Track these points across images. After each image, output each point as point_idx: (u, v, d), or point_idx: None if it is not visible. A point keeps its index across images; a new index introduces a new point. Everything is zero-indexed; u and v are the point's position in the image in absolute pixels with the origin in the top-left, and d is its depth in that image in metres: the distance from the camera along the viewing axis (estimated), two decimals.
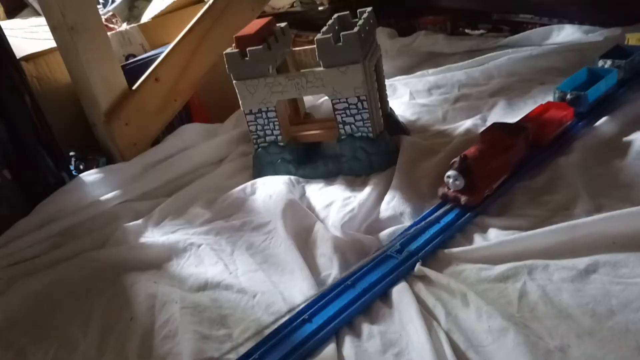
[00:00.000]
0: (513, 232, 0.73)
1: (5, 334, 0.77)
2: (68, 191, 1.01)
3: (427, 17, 1.61)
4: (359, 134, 0.94)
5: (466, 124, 1.03)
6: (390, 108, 1.08)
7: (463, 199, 0.78)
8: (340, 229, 0.81)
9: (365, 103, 0.91)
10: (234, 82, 0.96)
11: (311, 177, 0.99)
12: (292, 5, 1.84)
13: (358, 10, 0.97)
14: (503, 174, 0.82)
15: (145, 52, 1.32)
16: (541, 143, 0.87)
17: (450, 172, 0.78)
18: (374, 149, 0.94)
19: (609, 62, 1.02)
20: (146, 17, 1.43)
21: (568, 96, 0.95)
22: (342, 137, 0.96)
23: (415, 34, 1.55)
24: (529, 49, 1.25)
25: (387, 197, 0.86)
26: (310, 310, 0.67)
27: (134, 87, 1.14)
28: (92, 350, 0.71)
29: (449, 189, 0.79)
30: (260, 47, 0.92)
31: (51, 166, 1.03)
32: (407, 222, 0.80)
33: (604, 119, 0.91)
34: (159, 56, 1.19)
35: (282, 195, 0.90)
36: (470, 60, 1.28)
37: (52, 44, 1.11)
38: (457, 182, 0.77)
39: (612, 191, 0.76)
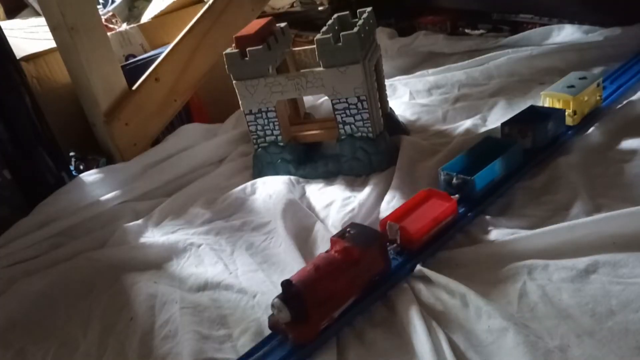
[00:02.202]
0: (513, 232, 0.72)
1: (5, 334, 0.77)
2: (68, 191, 1.01)
3: (427, 17, 1.60)
4: (359, 134, 0.94)
5: (466, 124, 1.03)
6: (390, 108, 1.08)
7: (291, 334, 0.61)
8: (340, 229, 0.80)
9: (365, 103, 0.91)
10: (234, 82, 0.96)
11: (311, 177, 0.99)
12: (292, 5, 1.84)
13: (358, 10, 0.97)
14: (348, 297, 0.65)
15: (145, 52, 1.32)
16: (411, 246, 0.71)
17: (275, 301, 0.61)
18: (374, 149, 0.94)
19: (515, 129, 0.87)
20: (146, 17, 1.43)
21: (454, 180, 0.79)
22: (342, 137, 0.96)
23: (415, 34, 1.55)
24: (529, 49, 1.25)
25: (387, 197, 0.86)
26: None
27: (134, 87, 1.14)
28: (92, 350, 0.71)
29: None
30: (260, 47, 0.92)
31: (51, 166, 1.03)
32: None
33: (604, 118, 0.91)
34: (159, 56, 1.19)
35: (282, 195, 0.91)
36: (470, 60, 1.28)
37: (52, 44, 1.11)
38: (282, 314, 0.61)
39: (612, 191, 0.76)
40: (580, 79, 0.94)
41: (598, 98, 0.95)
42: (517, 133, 0.86)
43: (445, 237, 0.74)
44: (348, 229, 0.68)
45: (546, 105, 0.95)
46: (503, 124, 0.88)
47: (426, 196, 0.78)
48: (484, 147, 0.86)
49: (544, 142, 0.86)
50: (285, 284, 0.61)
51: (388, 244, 0.72)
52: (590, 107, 0.94)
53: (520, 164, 0.84)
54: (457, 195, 0.76)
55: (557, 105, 0.92)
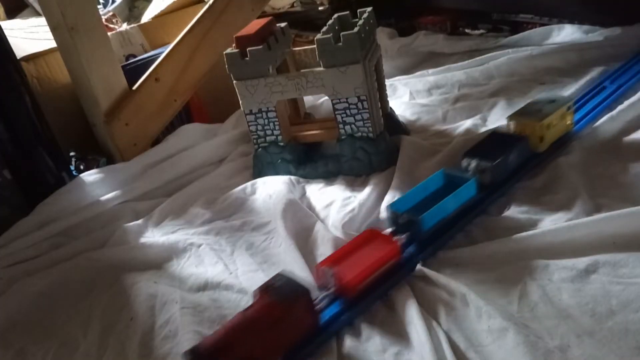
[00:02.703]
0: (513, 232, 0.72)
1: (5, 334, 0.77)
2: (68, 191, 1.01)
3: (427, 17, 1.60)
4: (359, 134, 0.94)
5: (466, 124, 1.03)
6: (390, 108, 1.08)
7: None
8: (340, 229, 0.81)
9: (365, 103, 0.91)
10: (234, 82, 0.96)
11: (311, 177, 0.99)
12: (292, 5, 1.84)
13: (358, 10, 0.97)
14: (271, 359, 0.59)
15: (145, 52, 1.32)
16: (347, 294, 0.65)
17: None
18: (374, 149, 0.94)
19: (473, 162, 0.80)
20: (146, 17, 1.43)
21: (400, 219, 0.74)
22: (342, 137, 0.96)
23: (415, 34, 1.55)
24: (529, 49, 1.25)
25: (387, 197, 0.86)
26: None
27: (134, 87, 1.14)
28: (92, 350, 0.71)
29: None
30: (260, 47, 0.92)
31: (51, 166, 1.03)
32: None
33: (604, 118, 0.91)
34: (159, 56, 1.19)
35: (282, 195, 0.91)
36: (470, 60, 1.28)
37: (52, 44, 1.11)
38: None
39: (612, 191, 0.76)
40: (549, 102, 0.88)
41: (569, 122, 0.88)
42: (475, 167, 0.80)
43: (387, 284, 0.68)
44: (273, 281, 0.62)
45: (511, 130, 0.88)
46: (463, 155, 0.82)
47: (368, 237, 0.71)
48: (439, 181, 0.80)
49: (504, 176, 0.81)
50: (190, 353, 0.54)
51: (324, 290, 0.67)
52: (560, 132, 0.88)
53: (477, 200, 0.78)
54: (402, 236, 0.71)
55: (523, 131, 0.85)
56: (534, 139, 0.84)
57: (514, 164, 0.82)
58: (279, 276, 0.64)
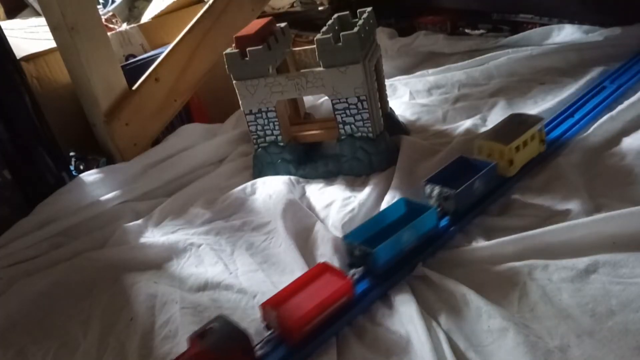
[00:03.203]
0: (513, 232, 0.72)
1: (5, 334, 0.77)
2: (68, 191, 1.01)
3: (427, 17, 1.60)
4: (359, 134, 0.94)
5: (466, 124, 1.03)
6: (390, 108, 1.08)
7: None
8: (340, 229, 0.81)
9: (365, 103, 0.91)
10: (234, 82, 0.96)
11: (311, 177, 0.99)
12: (292, 5, 1.84)
13: (358, 10, 0.97)
14: None
15: (145, 52, 1.32)
16: (291, 336, 0.61)
17: None
18: (374, 149, 0.94)
19: (436, 189, 0.77)
20: (146, 17, 1.43)
21: (356, 251, 0.70)
22: (342, 137, 0.96)
23: (415, 34, 1.55)
24: (529, 49, 1.25)
25: (387, 197, 0.86)
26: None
27: (134, 87, 1.14)
28: (92, 350, 0.71)
29: None
30: (260, 47, 0.92)
31: (51, 166, 1.03)
32: None
33: (604, 118, 0.91)
34: (159, 56, 1.19)
35: (282, 195, 0.91)
36: (470, 60, 1.28)
37: (52, 44, 1.11)
38: None
39: (612, 191, 0.76)
40: (519, 123, 0.84)
41: (541, 144, 0.85)
42: (438, 195, 0.77)
43: (337, 325, 0.64)
44: (211, 326, 0.58)
45: (479, 154, 0.84)
46: (426, 181, 0.79)
47: (320, 272, 0.67)
48: (400, 210, 0.76)
49: (469, 204, 0.77)
50: None
51: (267, 331, 0.63)
52: (532, 155, 0.84)
53: (438, 231, 0.74)
54: (354, 272, 0.68)
55: (491, 155, 0.82)
56: (502, 163, 0.80)
57: (480, 191, 0.78)
58: (217, 320, 0.59)
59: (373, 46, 0.97)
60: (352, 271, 0.69)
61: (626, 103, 0.93)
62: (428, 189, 0.78)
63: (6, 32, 0.99)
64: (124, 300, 0.78)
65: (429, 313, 0.64)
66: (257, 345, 0.61)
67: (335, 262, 0.74)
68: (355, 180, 0.95)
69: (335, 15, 1.00)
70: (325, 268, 0.68)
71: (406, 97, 1.23)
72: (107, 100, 1.10)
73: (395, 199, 0.83)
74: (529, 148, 0.83)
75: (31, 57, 1.13)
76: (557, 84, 1.11)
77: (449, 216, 0.76)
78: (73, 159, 1.13)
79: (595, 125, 0.91)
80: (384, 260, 0.68)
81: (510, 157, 0.80)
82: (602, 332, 0.56)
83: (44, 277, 0.85)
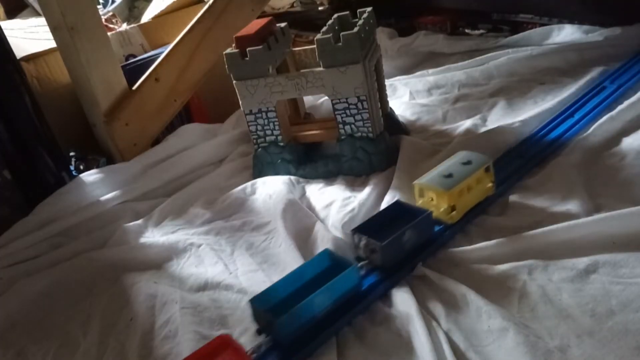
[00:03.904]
0: (513, 231, 0.72)
1: (5, 334, 0.77)
2: (68, 191, 1.01)
3: (427, 17, 1.60)
4: (359, 134, 0.94)
5: (466, 124, 1.03)
6: (390, 108, 1.08)
7: None
8: (340, 229, 0.81)
9: (365, 103, 0.91)
10: (234, 82, 0.96)
11: (311, 177, 0.99)
12: (292, 5, 1.84)
13: (358, 10, 0.97)
14: None
15: (145, 52, 1.32)
16: None
17: None
18: (374, 149, 0.94)
19: (363, 240, 0.69)
20: (146, 17, 1.43)
21: (261, 319, 0.63)
22: (342, 137, 0.96)
23: (415, 34, 1.55)
24: (529, 49, 1.25)
25: (387, 197, 0.86)
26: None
27: (134, 87, 1.14)
28: (92, 350, 0.71)
29: None
30: (260, 47, 0.92)
31: (51, 166, 1.03)
32: None
33: (603, 118, 0.91)
34: (159, 56, 1.19)
35: (282, 195, 0.91)
36: (470, 60, 1.28)
37: (52, 44, 1.11)
38: None
39: (612, 191, 0.76)
40: (464, 163, 0.77)
41: (489, 186, 0.78)
42: (364, 247, 0.69)
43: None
44: None
45: (420, 198, 0.77)
46: (354, 230, 0.72)
47: (217, 349, 0.59)
48: (323, 263, 0.68)
49: (398, 258, 0.69)
50: None
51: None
52: (478, 198, 0.77)
53: (361, 293, 0.66)
54: (260, 344, 0.61)
55: (431, 199, 0.75)
56: (443, 209, 0.74)
57: (413, 242, 0.70)
58: None
59: (373, 46, 0.97)
60: (260, 342, 0.60)
61: (626, 103, 0.94)
62: (356, 238, 0.70)
63: (6, 32, 0.99)
64: (124, 300, 0.78)
65: (429, 313, 0.64)
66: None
67: None
68: (355, 180, 0.95)
69: (335, 15, 1.00)
70: (224, 343, 0.59)
71: (406, 97, 1.23)
72: (107, 100, 1.10)
73: (396, 199, 0.83)
74: (475, 192, 0.76)
75: (31, 57, 1.13)
76: (557, 84, 1.11)
77: (377, 271, 0.68)
78: (73, 159, 1.13)
79: (595, 125, 0.91)
80: (290, 330, 0.59)
81: (451, 202, 0.74)
82: (602, 332, 0.56)
83: (44, 277, 0.85)
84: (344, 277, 0.63)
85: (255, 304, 0.63)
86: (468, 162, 0.77)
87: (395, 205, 0.76)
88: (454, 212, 0.74)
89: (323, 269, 0.67)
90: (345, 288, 0.64)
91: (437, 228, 0.75)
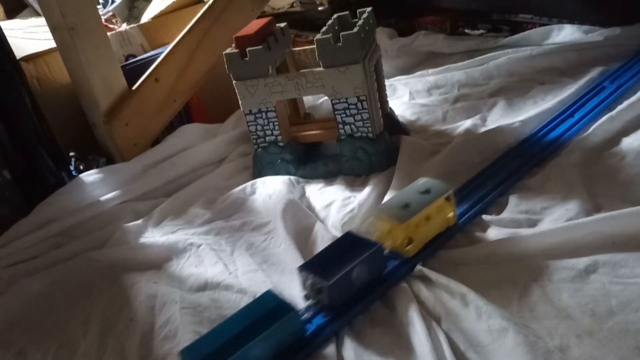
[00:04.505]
0: (513, 231, 0.72)
1: (5, 334, 0.77)
2: (68, 191, 1.01)
3: (427, 17, 1.60)
4: (359, 134, 0.94)
5: (466, 124, 1.03)
6: (390, 108, 1.08)
7: None
8: (340, 229, 0.81)
9: (365, 103, 0.91)
10: (233, 82, 0.96)
11: (311, 177, 0.99)
12: (292, 5, 1.84)
13: (358, 11, 0.97)
14: None
15: (145, 52, 1.32)
16: None
17: None
18: (374, 149, 0.94)
19: (310, 278, 0.65)
20: (146, 17, 1.43)
21: None
22: (342, 137, 0.96)
23: (415, 34, 1.55)
24: (528, 49, 1.25)
25: (387, 197, 0.86)
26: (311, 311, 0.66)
27: (134, 87, 1.14)
28: (92, 351, 0.71)
29: None
30: (260, 47, 0.92)
31: (51, 166, 1.03)
32: None
33: (603, 118, 0.91)
34: (159, 56, 1.19)
35: (282, 195, 0.91)
36: (470, 60, 1.28)
37: (52, 44, 1.11)
38: None
39: (612, 191, 0.76)
40: (422, 192, 0.72)
41: (450, 215, 0.74)
42: (311, 286, 0.65)
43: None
44: None
45: (374, 228, 0.71)
46: (301, 267, 0.67)
47: None
48: (266, 305, 0.62)
49: (347, 297, 0.64)
50: None
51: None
52: (438, 229, 0.73)
53: (305, 339, 0.61)
54: None
55: (386, 231, 0.70)
56: (400, 242, 0.70)
57: (363, 279, 0.65)
58: None
59: (373, 46, 0.97)
60: None
61: (626, 103, 0.93)
62: (302, 276, 0.66)
63: (6, 32, 0.99)
64: (123, 300, 0.78)
65: (429, 313, 0.64)
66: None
67: None
68: (355, 180, 0.95)
69: (335, 15, 1.00)
70: None
71: (406, 97, 1.23)
72: (107, 100, 1.10)
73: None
74: (434, 222, 0.72)
75: (31, 57, 1.13)
76: (557, 84, 1.11)
77: (325, 312, 0.64)
78: (73, 159, 1.13)
79: (595, 125, 0.91)
80: None
81: (408, 234, 0.69)
82: (602, 332, 0.56)
83: (44, 277, 0.85)
84: (284, 325, 0.58)
85: (185, 355, 0.57)
86: (427, 191, 0.72)
87: (347, 238, 0.69)
88: (410, 245, 0.70)
89: (265, 312, 0.61)
90: (285, 336, 0.59)
91: (394, 262, 0.70)
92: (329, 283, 0.62)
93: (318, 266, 0.65)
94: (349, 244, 0.68)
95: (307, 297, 0.67)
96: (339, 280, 0.62)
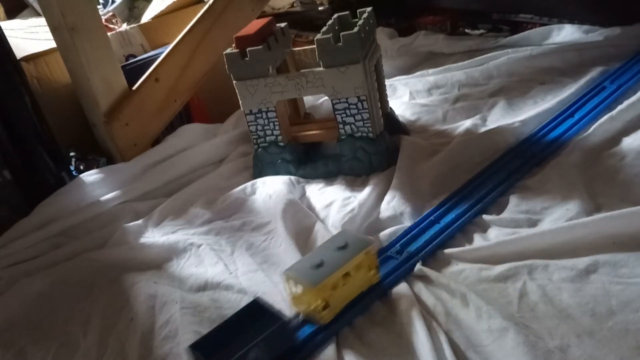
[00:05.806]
0: (513, 231, 0.72)
1: (5, 334, 0.77)
2: (68, 191, 1.01)
3: (427, 17, 1.60)
4: (359, 134, 0.94)
5: (466, 124, 1.03)
6: (390, 108, 1.08)
7: None
8: (340, 229, 0.81)
9: (365, 103, 0.91)
10: (234, 82, 0.96)
11: (311, 177, 0.99)
12: (292, 5, 1.84)
13: (358, 10, 0.97)
14: None
15: (145, 52, 1.32)
16: None
17: None
18: (374, 149, 0.94)
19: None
20: (146, 17, 1.43)
21: None
22: (342, 137, 0.96)
23: (415, 34, 1.55)
24: (528, 49, 1.25)
25: (387, 197, 0.86)
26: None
27: (134, 88, 1.14)
28: (92, 351, 0.71)
29: None
30: (260, 47, 0.92)
31: (51, 166, 1.03)
32: (407, 222, 0.80)
33: (603, 118, 0.91)
34: (159, 56, 1.19)
35: (282, 195, 0.90)
36: (470, 60, 1.28)
37: (52, 44, 1.11)
38: None
39: (612, 191, 0.76)
40: (339, 248, 0.64)
41: (372, 273, 0.66)
42: None
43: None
44: None
45: (289, 290, 0.64)
46: (191, 347, 0.60)
47: None
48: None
49: (270, 357, 0.58)
50: None
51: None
52: (359, 289, 0.65)
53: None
54: None
55: (299, 296, 0.63)
56: (313, 307, 0.62)
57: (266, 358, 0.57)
58: None
59: (373, 46, 0.97)
60: None
61: (626, 103, 0.93)
62: (193, 358, 0.59)
63: (6, 32, 0.99)
64: (124, 300, 0.78)
65: (429, 313, 0.64)
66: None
67: None
68: (355, 180, 0.95)
69: (335, 15, 1.00)
70: None
71: (406, 97, 1.23)
72: (107, 100, 1.10)
73: (396, 199, 0.82)
74: (353, 282, 0.64)
75: (31, 57, 1.13)
76: (557, 84, 1.11)
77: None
78: (73, 159, 1.13)
79: (595, 125, 0.91)
80: None
81: (320, 298, 0.61)
82: (602, 332, 0.56)
83: (44, 277, 0.85)
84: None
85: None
86: (344, 246, 0.64)
87: (253, 307, 0.62)
88: (326, 310, 0.62)
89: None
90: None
91: (311, 327, 0.63)
92: (260, 340, 0.56)
93: (213, 345, 0.58)
94: (253, 316, 0.61)
95: None
96: (279, 333, 0.57)
